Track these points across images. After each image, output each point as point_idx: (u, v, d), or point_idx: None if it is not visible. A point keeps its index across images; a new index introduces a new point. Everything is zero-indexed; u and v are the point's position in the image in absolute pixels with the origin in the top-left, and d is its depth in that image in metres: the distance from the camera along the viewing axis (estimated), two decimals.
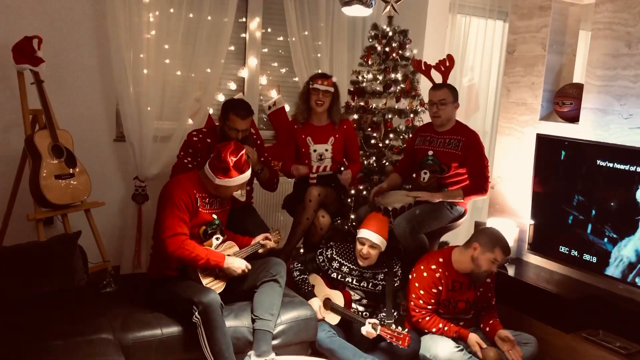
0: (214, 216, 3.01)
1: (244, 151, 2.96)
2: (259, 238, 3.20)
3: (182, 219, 2.83)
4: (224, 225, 3.11)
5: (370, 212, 3.50)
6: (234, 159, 2.90)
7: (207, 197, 2.97)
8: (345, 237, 3.57)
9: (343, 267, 3.33)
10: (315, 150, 3.79)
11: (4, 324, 2.59)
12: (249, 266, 2.98)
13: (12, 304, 2.75)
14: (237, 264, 2.93)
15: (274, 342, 2.92)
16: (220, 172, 2.90)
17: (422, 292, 3.13)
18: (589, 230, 3.36)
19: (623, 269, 3.18)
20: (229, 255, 2.96)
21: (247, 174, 3.00)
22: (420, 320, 3.12)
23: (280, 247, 3.30)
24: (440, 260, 3.18)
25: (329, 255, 3.36)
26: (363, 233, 3.26)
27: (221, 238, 3.04)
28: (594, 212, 3.33)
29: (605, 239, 3.26)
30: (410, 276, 3.23)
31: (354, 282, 3.31)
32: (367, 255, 3.24)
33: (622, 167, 3.18)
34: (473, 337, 3.06)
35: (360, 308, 3.32)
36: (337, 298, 3.28)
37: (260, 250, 3.16)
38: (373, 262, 3.29)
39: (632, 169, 3.12)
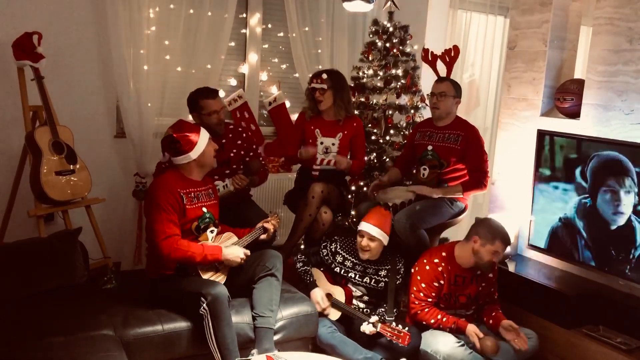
0: (204, 209, 2.97)
1: (181, 120, 3.00)
2: (258, 225, 3.16)
3: (171, 220, 2.80)
4: (217, 217, 3.08)
5: (371, 207, 3.50)
6: (184, 133, 2.88)
7: (192, 191, 2.94)
8: (347, 232, 3.57)
9: (347, 261, 3.33)
10: (322, 143, 3.79)
11: (4, 320, 2.59)
12: (248, 252, 2.96)
13: (13, 301, 2.75)
14: (235, 252, 2.92)
15: (275, 337, 2.92)
16: (186, 147, 2.88)
17: (423, 285, 3.13)
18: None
19: None
20: (226, 246, 2.94)
21: (202, 130, 2.98)
22: (419, 312, 3.12)
23: (273, 235, 3.25)
24: (443, 254, 3.18)
25: (333, 249, 3.36)
26: (362, 226, 3.27)
27: (216, 230, 3.01)
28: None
29: None
30: (412, 270, 3.24)
31: (357, 277, 3.31)
32: (366, 248, 3.24)
33: (621, 164, 3.17)
34: (471, 328, 3.06)
35: (361, 305, 3.32)
36: (338, 294, 3.29)
37: (263, 236, 3.13)
38: (375, 256, 3.29)
39: (632, 165, 3.12)
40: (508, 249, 3.74)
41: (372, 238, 3.24)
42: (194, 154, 2.90)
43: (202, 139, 2.94)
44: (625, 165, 3.13)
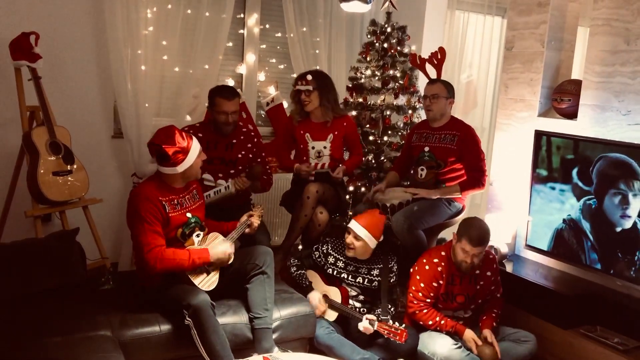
0: (189, 215, 2.90)
1: (173, 128, 2.83)
2: (242, 219, 3.11)
3: (155, 231, 2.74)
4: (202, 218, 3.02)
5: (367, 209, 3.50)
6: (173, 147, 2.75)
7: (174, 197, 2.86)
8: (342, 233, 3.57)
9: (338, 262, 3.33)
10: (313, 148, 3.78)
11: (2, 320, 2.59)
12: (234, 245, 2.94)
13: (10, 301, 2.75)
14: (223, 249, 2.88)
15: (273, 336, 2.91)
16: (174, 161, 2.77)
17: (422, 284, 3.12)
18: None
19: None
20: (212, 246, 2.90)
21: (194, 141, 2.88)
22: (417, 312, 3.11)
23: (257, 226, 3.17)
24: (443, 253, 3.17)
25: (324, 251, 3.36)
26: (351, 223, 3.28)
27: (202, 234, 2.96)
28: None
29: None
30: (411, 269, 3.23)
31: (350, 278, 3.31)
32: (350, 245, 3.25)
33: (619, 163, 3.17)
34: (469, 334, 3.05)
35: (357, 304, 3.32)
36: (335, 294, 3.28)
37: (247, 230, 3.08)
38: (361, 255, 3.28)
39: (630, 165, 3.12)
40: (505, 249, 3.75)
41: (356, 237, 3.24)
42: (181, 167, 2.81)
43: (192, 153, 2.83)
44: (634, 168, 3.11)
